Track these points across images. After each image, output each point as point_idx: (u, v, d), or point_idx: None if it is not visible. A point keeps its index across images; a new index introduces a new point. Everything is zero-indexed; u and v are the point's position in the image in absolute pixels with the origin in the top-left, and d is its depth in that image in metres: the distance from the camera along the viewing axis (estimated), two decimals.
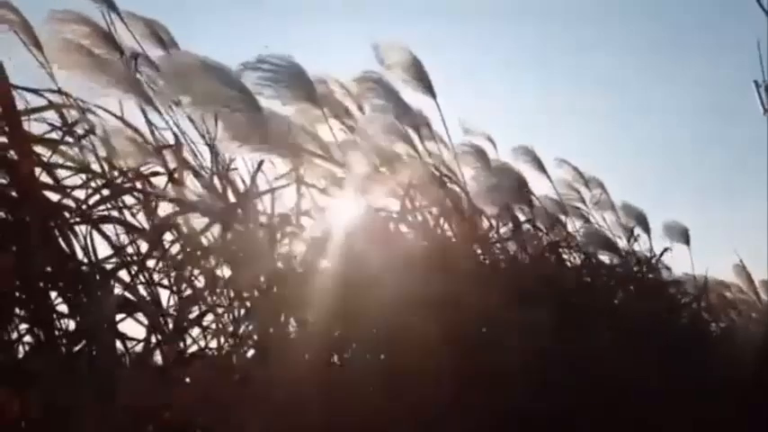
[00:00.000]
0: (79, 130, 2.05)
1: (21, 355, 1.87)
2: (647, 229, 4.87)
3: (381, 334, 2.79)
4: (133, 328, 2.09)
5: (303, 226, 2.72)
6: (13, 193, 1.76)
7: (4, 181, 1.77)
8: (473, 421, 2.77)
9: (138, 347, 2.09)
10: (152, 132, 2.36)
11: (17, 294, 1.82)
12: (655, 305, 4.37)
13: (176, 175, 2.27)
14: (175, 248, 2.21)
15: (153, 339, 2.10)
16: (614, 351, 3.56)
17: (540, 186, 4.27)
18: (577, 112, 12.47)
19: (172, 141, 2.40)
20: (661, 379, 3.63)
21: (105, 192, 2.00)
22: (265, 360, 2.39)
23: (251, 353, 2.41)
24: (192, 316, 2.28)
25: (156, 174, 2.24)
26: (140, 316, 2.06)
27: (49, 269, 1.83)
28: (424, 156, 3.45)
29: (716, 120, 14.04)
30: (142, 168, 2.25)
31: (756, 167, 11.73)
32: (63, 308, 1.91)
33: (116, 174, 2.15)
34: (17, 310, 1.83)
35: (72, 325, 1.92)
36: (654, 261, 4.84)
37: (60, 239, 1.81)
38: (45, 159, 1.90)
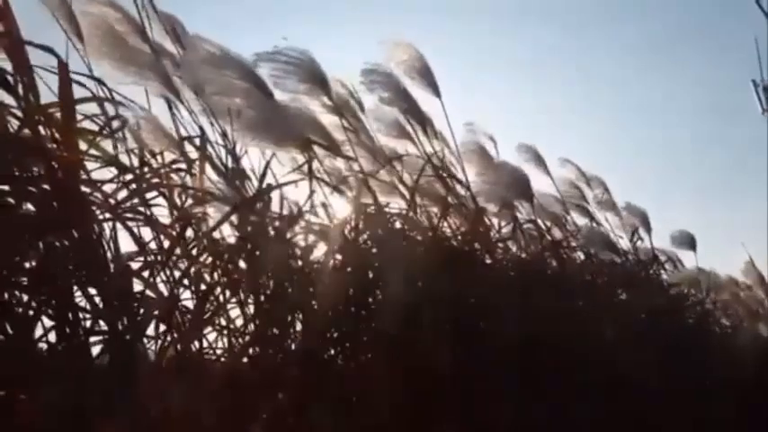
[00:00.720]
0: (115, 123, 2.00)
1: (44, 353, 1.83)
2: (648, 230, 4.90)
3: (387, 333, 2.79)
4: None
5: (314, 221, 2.71)
6: (45, 186, 1.72)
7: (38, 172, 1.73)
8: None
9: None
10: (175, 125, 2.32)
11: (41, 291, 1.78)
12: (656, 305, 4.40)
13: (198, 167, 2.23)
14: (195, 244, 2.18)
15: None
16: (614, 350, 3.59)
17: (541, 185, 4.28)
18: (577, 111, 12.56)
19: (193, 134, 2.36)
20: (661, 378, 3.66)
21: (133, 186, 1.96)
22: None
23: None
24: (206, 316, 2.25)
25: (181, 170, 2.20)
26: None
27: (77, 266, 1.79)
28: (428, 153, 3.43)
29: (716, 120, 14.22)
30: (169, 161, 2.21)
31: (756, 167, 11.92)
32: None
33: (145, 169, 2.10)
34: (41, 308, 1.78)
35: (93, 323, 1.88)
36: (656, 261, 4.88)
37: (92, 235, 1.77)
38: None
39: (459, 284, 3.03)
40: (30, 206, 1.75)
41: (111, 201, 1.92)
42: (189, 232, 2.15)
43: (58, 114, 1.78)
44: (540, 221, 3.94)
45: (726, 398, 4.20)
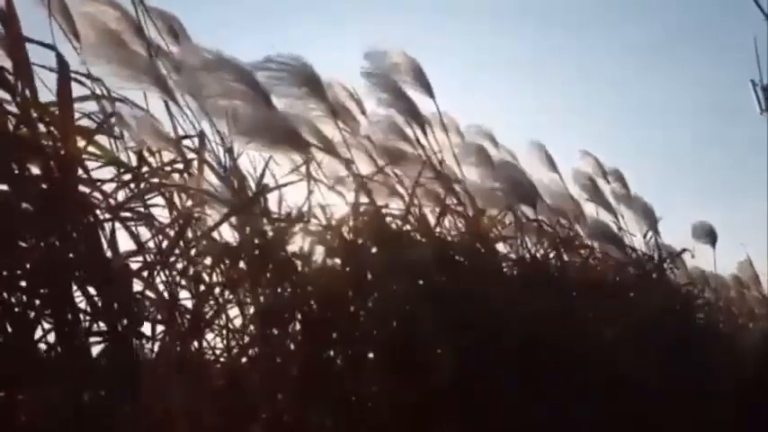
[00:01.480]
0: (113, 121, 2.00)
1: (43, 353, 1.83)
2: (655, 229, 4.90)
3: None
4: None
5: (312, 223, 2.71)
6: (44, 186, 1.72)
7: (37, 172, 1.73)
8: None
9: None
10: (173, 125, 2.32)
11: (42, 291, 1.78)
12: (665, 305, 4.39)
13: (196, 168, 2.23)
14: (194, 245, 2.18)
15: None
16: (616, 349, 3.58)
17: (546, 183, 4.28)
18: (577, 111, 12.56)
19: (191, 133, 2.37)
20: (662, 378, 3.65)
21: (133, 186, 1.96)
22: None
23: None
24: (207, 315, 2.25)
25: (180, 170, 2.20)
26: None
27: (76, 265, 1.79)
28: (427, 153, 3.43)
29: (716, 120, 14.22)
30: (168, 161, 2.21)
31: (756, 167, 11.90)
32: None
33: (144, 168, 2.10)
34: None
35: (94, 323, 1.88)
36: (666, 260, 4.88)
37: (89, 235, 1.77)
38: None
39: (455, 284, 3.04)
40: (28, 206, 1.75)
41: (111, 200, 1.91)
42: (188, 233, 2.15)
43: (57, 112, 1.78)
44: (545, 219, 3.92)
45: (732, 398, 4.20)
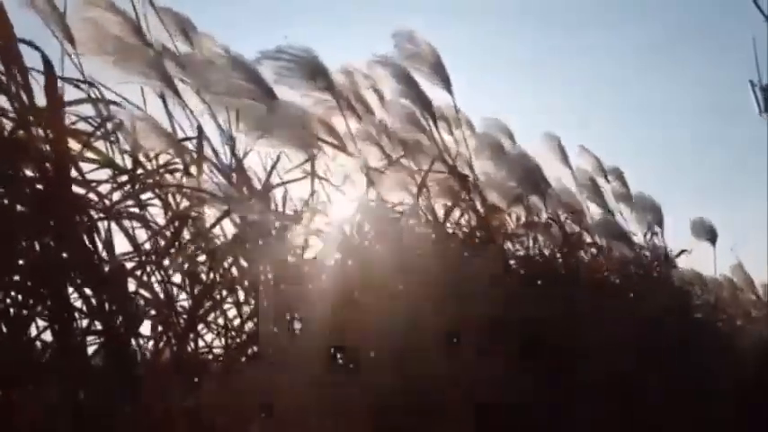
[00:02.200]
0: (109, 124, 2.01)
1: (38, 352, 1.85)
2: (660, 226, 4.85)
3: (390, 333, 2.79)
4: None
5: (316, 219, 2.70)
6: (39, 186, 1.73)
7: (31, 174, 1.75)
8: None
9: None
10: (172, 125, 2.32)
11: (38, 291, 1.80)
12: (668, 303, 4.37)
13: (196, 167, 2.24)
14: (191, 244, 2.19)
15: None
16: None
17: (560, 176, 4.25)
18: (577, 111, 12.45)
19: (191, 134, 2.37)
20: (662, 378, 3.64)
21: (128, 187, 1.97)
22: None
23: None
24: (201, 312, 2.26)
25: (177, 170, 2.20)
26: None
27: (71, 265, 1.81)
28: (441, 146, 3.41)
29: (716, 120, 14.09)
30: (164, 163, 2.22)
31: (756, 167, 11.77)
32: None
33: (140, 170, 2.11)
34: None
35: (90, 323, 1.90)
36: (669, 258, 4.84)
37: (84, 235, 1.79)
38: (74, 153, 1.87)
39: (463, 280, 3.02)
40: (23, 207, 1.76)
41: (106, 201, 1.92)
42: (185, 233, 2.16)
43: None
44: (556, 213, 3.90)
45: (732, 398, 4.18)
